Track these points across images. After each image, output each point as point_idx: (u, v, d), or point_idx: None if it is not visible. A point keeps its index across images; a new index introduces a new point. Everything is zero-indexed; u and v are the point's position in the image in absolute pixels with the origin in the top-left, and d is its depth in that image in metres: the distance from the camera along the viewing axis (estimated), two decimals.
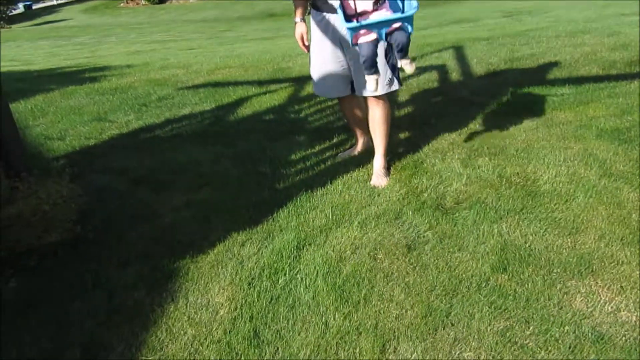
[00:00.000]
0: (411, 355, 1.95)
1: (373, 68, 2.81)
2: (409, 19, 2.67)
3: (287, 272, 2.44)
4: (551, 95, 4.53)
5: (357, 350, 1.99)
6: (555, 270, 2.34)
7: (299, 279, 2.39)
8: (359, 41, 2.77)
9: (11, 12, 27.67)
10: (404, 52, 2.77)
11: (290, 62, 7.02)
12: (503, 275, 2.32)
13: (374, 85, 2.83)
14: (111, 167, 3.74)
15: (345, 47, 3.08)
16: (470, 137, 3.81)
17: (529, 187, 3.02)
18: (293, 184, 3.30)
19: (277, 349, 2.02)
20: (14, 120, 2.96)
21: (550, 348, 1.94)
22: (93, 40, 15.57)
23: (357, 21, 2.70)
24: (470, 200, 2.94)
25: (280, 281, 2.39)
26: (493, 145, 3.62)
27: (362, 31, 2.72)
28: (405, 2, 2.75)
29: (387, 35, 2.71)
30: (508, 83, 5.04)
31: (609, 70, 5.24)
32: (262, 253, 2.60)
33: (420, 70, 5.87)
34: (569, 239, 2.54)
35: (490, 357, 1.92)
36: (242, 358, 1.99)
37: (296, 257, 2.54)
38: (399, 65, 2.85)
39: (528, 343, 1.97)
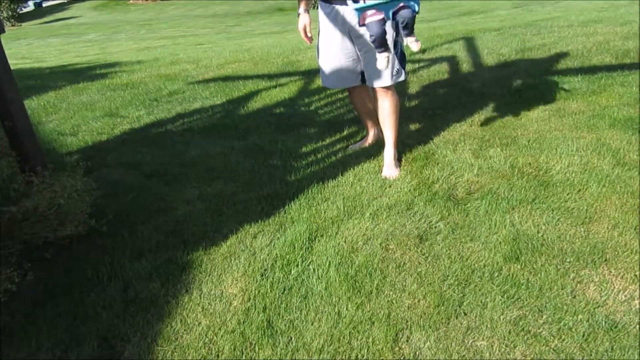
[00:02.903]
0: (424, 345, 1.96)
1: (383, 46, 2.85)
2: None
3: (300, 263, 2.45)
4: (563, 85, 4.49)
5: (370, 339, 2.00)
6: (568, 260, 2.33)
7: (312, 269, 2.40)
8: (367, 21, 2.81)
9: (21, 10, 27.84)
10: (409, 29, 2.83)
11: (299, 55, 7.01)
12: (516, 265, 2.32)
13: (385, 63, 2.86)
14: (124, 162, 3.77)
15: (354, 38, 3.08)
16: (481, 127, 3.79)
17: (541, 177, 3.01)
18: (304, 176, 3.31)
19: (291, 338, 2.04)
20: (28, 116, 2.99)
21: (563, 337, 1.94)
22: (103, 37, 15.65)
23: (364, 2, 2.75)
24: (482, 190, 2.93)
25: (292, 272, 2.40)
26: (505, 135, 3.61)
27: (368, 12, 2.77)
28: None
29: (394, 14, 2.78)
30: (519, 73, 5.01)
31: (622, 59, 5.18)
32: (274, 244, 2.61)
33: (430, 62, 5.85)
34: (582, 229, 2.53)
35: (504, 346, 1.93)
36: (256, 348, 2.01)
37: (308, 249, 2.56)
38: (404, 43, 2.93)
39: (541, 332, 1.97)
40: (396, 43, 3.05)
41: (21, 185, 2.61)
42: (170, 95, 5.52)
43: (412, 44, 2.86)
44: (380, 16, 2.78)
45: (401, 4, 2.77)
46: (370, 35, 2.82)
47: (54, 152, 4.02)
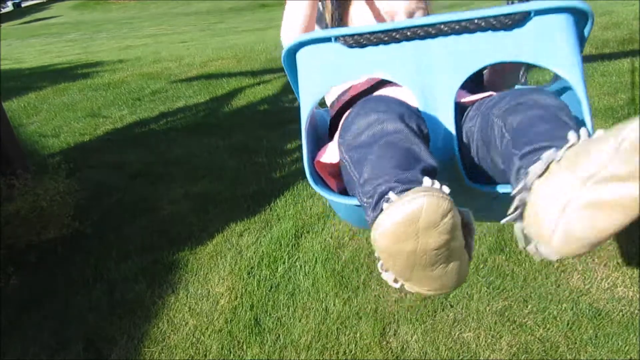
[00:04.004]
0: (411, 338, 1.97)
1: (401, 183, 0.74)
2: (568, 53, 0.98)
3: (286, 260, 2.45)
4: (544, 76, 4.53)
5: (358, 334, 2.01)
6: None
7: (298, 266, 2.40)
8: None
9: (0, 10, 27.42)
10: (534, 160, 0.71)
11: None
12: (500, 256, 2.34)
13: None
14: (107, 162, 3.73)
15: None
16: None
17: None
18: (290, 173, 3.30)
19: (279, 336, 2.04)
20: (8, 118, 2.96)
21: (548, 326, 1.97)
22: (84, 37, 15.46)
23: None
24: None
25: (279, 269, 2.40)
26: None
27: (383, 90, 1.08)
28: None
29: (465, 113, 0.97)
30: None
31: (602, 49, 5.23)
32: (260, 242, 2.61)
33: None
34: None
35: (490, 337, 1.94)
36: (244, 347, 2.01)
37: (295, 245, 2.56)
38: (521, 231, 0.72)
39: (527, 321, 1.99)
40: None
41: (2, 188, 2.57)
42: (153, 94, 5.47)
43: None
44: (399, 91, 1.01)
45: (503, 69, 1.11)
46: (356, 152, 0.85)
47: (35, 154, 3.97)
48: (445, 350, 1.92)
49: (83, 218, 2.76)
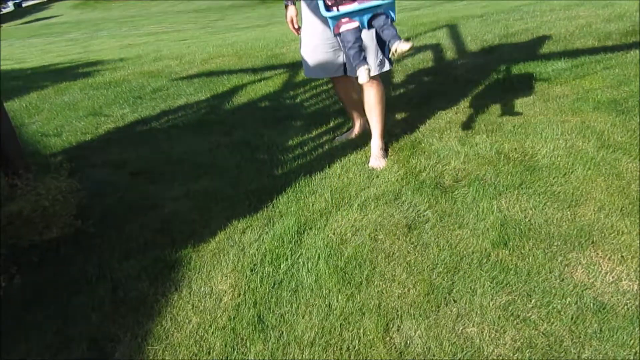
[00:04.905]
0: (415, 333, 1.96)
1: (360, 57, 2.76)
2: (391, 6, 2.72)
3: (289, 257, 2.45)
4: (547, 70, 4.51)
5: (361, 330, 2.00)
6: (555, 243, 2.34)
7: (301, 263, 2.40)
8: (341, 30, 2.79)
9: (1, 10, 27.44)
10: (391, 35, 2.74)
11: (283, 48, 6.97)
12: (504, 251, 2.33)
13: (366, 77, 2.71)
14: (109, 161, 3.73)
15: None
16: (467, 115, 3.79)
17: (527, 162, 3.02)
18: (291, 169, 3.30)
19: (282, 333, 2.04)
20: (9, 118, 2.95)
21: (552, 320, 1.96)
22: (85, 36, 15.48)
23: (337, 10, 2.73)
24: (468, 177, 2.94)
25: (282, 266, 2.40)
26: (490, 122, 3.61)
27: (343, 20, 2.74)
28: None
29: (369, 23, 2.73)
30: (503, 59, 5.01)
31: (605, 41, 5.20)
32: (263, 239, 2.60)
33: (414, 50, 5.83)
34: (568, 212, 2.54)
35: (494, 332, 1.94)
36: (247, 343, 2.01)
37: (297, 242, 2.55)
38: (393, 49, 2.69)
39: (530, 316, 1.99)
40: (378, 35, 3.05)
41: (4, 188, 2.57)
42: (154, 92, 5.47)
43: (401, 46, 2.68)
44: (355, 24, 2.74)
45: (377, 12, 2.72)
46: (346, 44, 2.77)
47: (37, 153, 3.97)
48: (449, 345, 1.91)
49: (85, 217, 2.75)
